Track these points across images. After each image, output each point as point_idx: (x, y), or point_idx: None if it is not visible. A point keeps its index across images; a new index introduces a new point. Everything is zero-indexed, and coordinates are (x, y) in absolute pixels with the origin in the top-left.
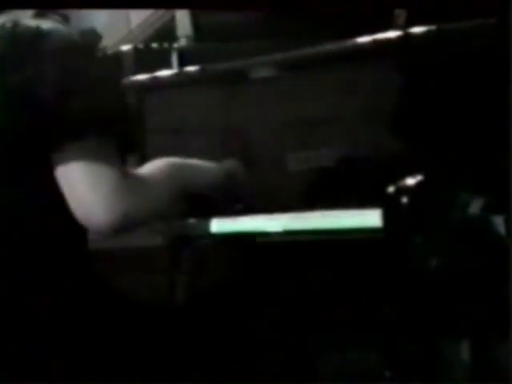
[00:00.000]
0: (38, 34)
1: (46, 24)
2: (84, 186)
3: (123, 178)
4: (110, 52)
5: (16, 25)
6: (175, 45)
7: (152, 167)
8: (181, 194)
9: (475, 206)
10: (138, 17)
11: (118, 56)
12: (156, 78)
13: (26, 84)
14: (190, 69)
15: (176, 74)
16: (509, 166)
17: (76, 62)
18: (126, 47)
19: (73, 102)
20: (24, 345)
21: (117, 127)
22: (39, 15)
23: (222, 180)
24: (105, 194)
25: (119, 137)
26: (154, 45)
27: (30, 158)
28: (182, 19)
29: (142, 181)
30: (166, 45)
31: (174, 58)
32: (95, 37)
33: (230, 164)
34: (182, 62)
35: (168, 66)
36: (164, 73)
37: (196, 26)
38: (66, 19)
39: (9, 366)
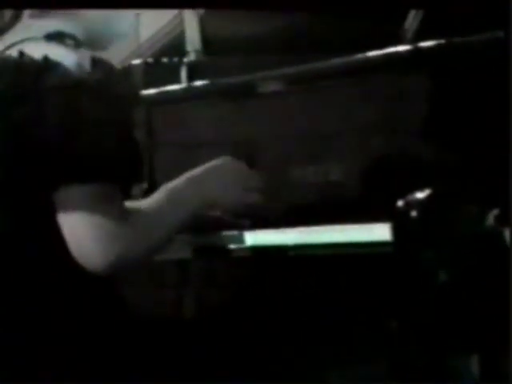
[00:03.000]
0: (43, 68)
1: (55, 53)
2: (82, 229)
3: (122, 221)
4: (119, 66)
5: (21, 56)
6: (184, 59)
7: (154, 198)
8: (187, 221)
9: (485, 220)
10: (147, 31)
11: (128, 70)
12: (165, 92)
13: (27, 120)
14: (200, 83)
15: (185, 88)
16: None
17: (80, 101)
18: (135, 61)
19: (74, 144)
20: (30, 360)
21: (119, 168)
22: (50, 38)
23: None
24: (101, 236)
25: (122, 176)
26: (164, 59)
27: (29, 195)
28: (192, 33)
29: (142, 219)
30: (175, 59)
31: (184, 72)
32: (106, 67)
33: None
34: (192, 76)
35: (177, 80)
36: (173, 87)
37: (205, 40)
38: (78, 43)
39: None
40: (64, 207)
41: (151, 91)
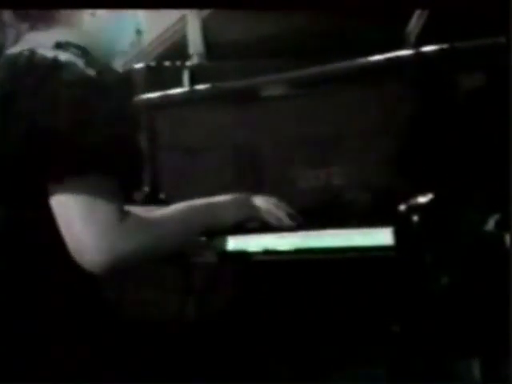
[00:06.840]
0: (54, 65)
1: (63, 56)
2: (79, 223)
3: (121, 218)
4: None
5: (33, 54)
6: (187, 63)
7: (165, 210)
8: (194, 235)
9: (486, 224)
10: (149, 35)
11: (130, 74)
12: (168, 96)
13: (35, 112)
14: (202, 87)
15: (187, 92)
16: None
17: (86, 97)
18: (137, 65)
19: (79, 136)
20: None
21: (121, 166)
22: (58, 47)
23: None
24: (99, 233)
25: (123, 174)
26: (166, 63)
27: (29, 184)
28: (194, 37)
29: (143, 222)
30: (177, 63)
31: (186, 76)
32: (112, 73)
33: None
34: (194, 80)
35: (180, 83)
36: (176, 91)
37: (208, 44)
38: (85, 53)
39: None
40: (61, 199)
41: (153, 95)
